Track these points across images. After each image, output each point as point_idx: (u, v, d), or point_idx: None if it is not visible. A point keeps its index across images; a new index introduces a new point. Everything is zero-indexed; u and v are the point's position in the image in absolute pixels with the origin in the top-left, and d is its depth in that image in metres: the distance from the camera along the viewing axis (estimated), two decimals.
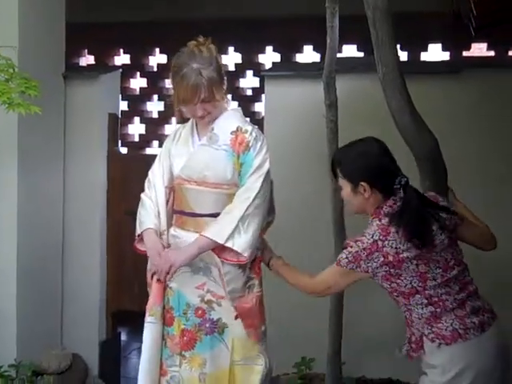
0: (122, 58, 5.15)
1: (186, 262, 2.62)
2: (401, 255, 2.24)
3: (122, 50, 5.08)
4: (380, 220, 2.30)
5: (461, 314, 2.26)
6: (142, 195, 2.80)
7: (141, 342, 2.71)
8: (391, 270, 2.26)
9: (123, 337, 4.76)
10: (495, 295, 2.55)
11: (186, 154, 2.72)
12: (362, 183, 2.34)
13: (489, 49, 4.30)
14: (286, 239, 3.73)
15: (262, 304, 2.75)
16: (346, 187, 2.42)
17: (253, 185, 2.60)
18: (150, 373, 2.70)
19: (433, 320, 2.26)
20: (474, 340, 2.24)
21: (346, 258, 2.30)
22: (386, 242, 2.24)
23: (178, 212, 2.75)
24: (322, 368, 3.60)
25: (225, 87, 2.67)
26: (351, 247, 2.30)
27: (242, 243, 2.58)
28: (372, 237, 2.26)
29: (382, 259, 2.25)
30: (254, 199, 2.59)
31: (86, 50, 5.00)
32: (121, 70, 4.65)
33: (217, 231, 2.58)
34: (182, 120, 2.80)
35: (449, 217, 2.37)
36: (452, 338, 2.23)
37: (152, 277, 2.70)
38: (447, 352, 2.23)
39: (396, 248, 2.24)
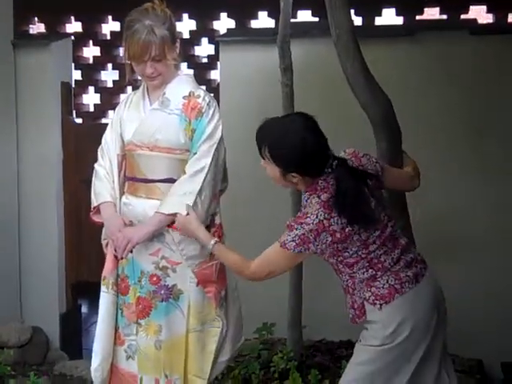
0: (74, 26, 5.03)
1: (144, 239, 2.61)
2: (347, 229, 2.21)
3: (73, 18, 4.96)
4: (319, 196, 2.23)
5: (395, 269, 2.28)
6: (96, 165, 2.77)
7: None
8: (338, 246, 2.24)
9: (84, 309, 4.73)
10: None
11: (138, 119, 2.69)
12: (294, 174, 2.25)
13: (441, 14, 4.33)
14: (242, 205, 3.74)
15: (223, 270, 2.75)
16: (273, 169, 2.28)
17: (205, 154, 2.59)
18: (103, 343, 2.70)
19: (371, 281, 2.27)
20: (410, 292, 2.26)
21: (293, 241, 2.20)
22: (332, 220, 2.19)
23: (130, 179, 2.73)
24: (283, 333, 3.64)
25: (177, 50, 2.64)
26: (296, 229, 2.20)
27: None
28: (317, 217, 2.19)
29: (330, 239, 2.20)
30: (208, 170, 2.58)
31: (36, 18, 4.87)
32: (72, 37, 4.56)
33: (177, 205, 2.56)
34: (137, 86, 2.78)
35: (371, 176, 2.31)
36: (390, 294, 2.25)
37: (106, 245, 2.69)
38: (388, 309, 2.26)
39: (342, 223, 2.20)
